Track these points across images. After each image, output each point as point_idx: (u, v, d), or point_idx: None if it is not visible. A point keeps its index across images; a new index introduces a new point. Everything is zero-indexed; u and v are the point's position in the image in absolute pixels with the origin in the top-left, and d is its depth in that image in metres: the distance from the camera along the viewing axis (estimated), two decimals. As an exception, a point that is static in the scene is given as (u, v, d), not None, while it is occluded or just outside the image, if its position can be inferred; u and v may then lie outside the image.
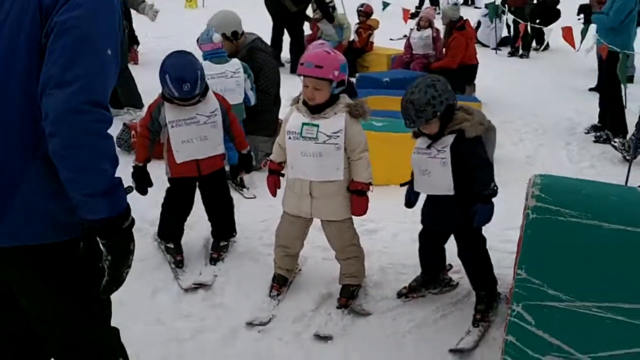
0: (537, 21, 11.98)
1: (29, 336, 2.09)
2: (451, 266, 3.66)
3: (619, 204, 2.51)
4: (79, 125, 1.60)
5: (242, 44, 5.35)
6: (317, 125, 3.18)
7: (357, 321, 3.34)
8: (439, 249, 3.53)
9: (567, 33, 8.10)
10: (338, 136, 3.16)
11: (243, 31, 5.37)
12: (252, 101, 5.00)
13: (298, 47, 9.30)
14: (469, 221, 3.24)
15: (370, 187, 3.31)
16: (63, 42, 1.63)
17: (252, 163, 4.03)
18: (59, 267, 1.85)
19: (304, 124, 3.20)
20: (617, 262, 2.41)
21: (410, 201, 3.46)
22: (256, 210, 4.49)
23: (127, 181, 1.93)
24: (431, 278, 3.59)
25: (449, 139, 3.17)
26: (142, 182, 3.66)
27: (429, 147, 3.20)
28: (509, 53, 12.26)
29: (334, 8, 9.92)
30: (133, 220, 1.78)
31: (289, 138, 3.25)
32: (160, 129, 3.67)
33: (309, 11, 10.38)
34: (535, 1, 12.55)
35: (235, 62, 4.80)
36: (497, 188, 3.15)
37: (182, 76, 3.47)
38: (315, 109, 3.21)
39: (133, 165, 3.70)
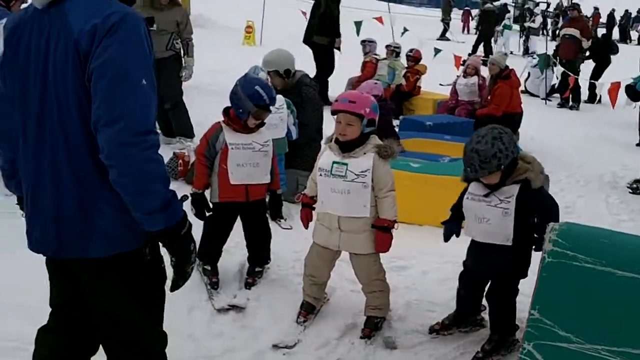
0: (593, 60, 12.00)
1: (80, 331, 2.36)
2: (485, 307, 3.70)
3: (634, 253, 2.59)
4: (131, 157, 1.86)
5: (292, 81, 5.63)
6: (347, 164, 3.36)
7: (379, 352, 3.45)
8: (478, 291, 3.58)
9: (613, 89, 8.15)
10: (365, 175, 3.33)
11: (295, 70, 5.66)
12: (294, 136, 5.23)
13: (325, 78, 9.94)
14: (513, 271, 3.33)
15: (395, 225, 3.45)
16: (102, 84, 1.86)
17: (281, 205, 4.23)
18: (133, 272, 2.12)
19: (334, 162, 3.39)
20: (628, 309, 2.49)
21: (449, 236, 3.53)
22: (290, 240, 4.65)
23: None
24: (464, 317, 3.65)
25: (514, 189, 3.20)
26: (202, 207, 3.90)
27: (487, 195, 3.25)
28: (558, 104, 12.29)
29: (398, 54, 10.27)
30: (190, 224, 2.03)
31: (320, 175, 3.44)
32: (216, 154, 3.87)
33: (360, 55, 10.77)
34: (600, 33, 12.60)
35: (279, 98, 5.05)
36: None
37: (269, 87, 3.87)
38: (346, 148, 3.39)
39: (191, 192, 3.87)
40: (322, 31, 9.99)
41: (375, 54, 10.68)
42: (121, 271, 2.10)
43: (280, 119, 5.00)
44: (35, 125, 2.00)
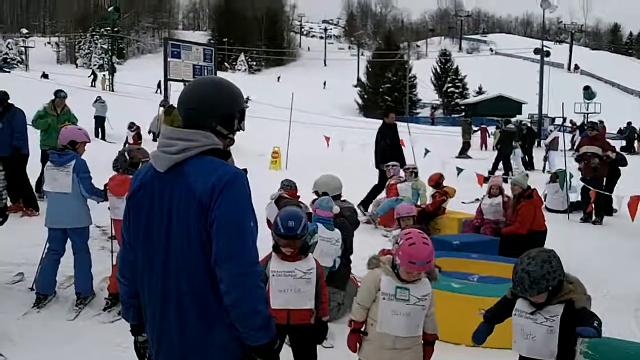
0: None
1: None
2: None
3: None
4: (247, 284, 2.36)
5: None
6: (408, 289, 3.70)
7: None
8: None
9: (633, 202, 8.44)
10: (426, 299, 3.72)
11: (340, 194, 6.29)
12: (336, 266, 5.64)
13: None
14: None
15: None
16: (222, 230, 2.37)
17: (326, 333, 4.39)
18: None
19: (397, 287, 3.72)
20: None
21: (484, 338, 3.77)
22: (334, 358, 4.88)
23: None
24: None
25: (558, 308, 3.40)
26: None
27: (533, 313, 3.45)
28: (581, 219, 12.34)
29: (416, 174, 10.82)
30: (279, 341, 2.47)
31: (384, 299, 3.73)
32: (267, 280, 4.17)
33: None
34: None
35: (336, 232, 5.53)
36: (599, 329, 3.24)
37: (289, 217, 4.16)
38: None
39: None
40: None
41: (400, 176, 11.23)
42: None
43: (335, 250, 5.48)
44: (161, 264, 2.49)
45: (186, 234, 2.43)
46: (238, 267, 2.35)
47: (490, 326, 3.78)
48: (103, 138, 22.82)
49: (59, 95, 10.43)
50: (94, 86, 49.75)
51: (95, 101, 24.21)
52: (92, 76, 54.64)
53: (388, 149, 11.46)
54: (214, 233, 2.38)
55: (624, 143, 31.89)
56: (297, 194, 7.42)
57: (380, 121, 12.31)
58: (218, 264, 2.37)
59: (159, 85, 40.44)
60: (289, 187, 7.44)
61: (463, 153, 26.03)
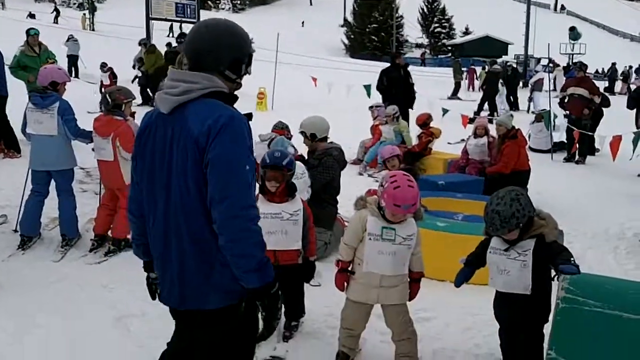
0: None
1: None
2: None
3: (637, 298, 2.96)
4: (237, 227, 2.35)
5: (316, 145, 6.24)
6: (394, 229, 3.74)
7: (411, 397, 3.77)
8: (515, 343, 3.73)
9: (615, 142, 8.52)
10: (412, 239, 3.76)
11: (324, 136, 6.27)
12: (308, 197, 5.61)
13: None
14: (534, 318, 3.60)
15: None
16: (215, 172, 2.37)
17: (314, 272, 4.46)
18: (235, 322, 2.57)
19: (383, 227, 3.75)
20: (634, 346, 2.84)
21: (462, 282, 3.86)
22: (321, 296, 4.94)
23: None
24: None
25: (530, 243, 3.50)
26: None
27: (507, 249, 3.56)
28: (564, 159, 12.51)
29: (399, 118, 10.80)
30: (278, 285, 2.49)
31: (370, 239, 3.77)
32: None
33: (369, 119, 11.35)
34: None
35: (299, 165, 5.53)
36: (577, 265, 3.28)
37: (276, 149, 4.29)
38: None
39: None
40: None
41: (382, 118, 11.19)
42: (228, 321, 2.55)
43: (305, 183, 5.49)
44: (163, 203, 2.51)
45: (184, 175, 2.43)
46: (231, 209, 2.35)
47: (471, 270, 3.86)
48: (76, 76, 22.32)
49: (31, 33, 10.15)
50: (57, 22, 47.58)
51: (68, 40, 23.62)
52: (54, 12, 52.43)
53: (388, 90, 11.53)
54: (208, 175, 2.39)
55: (606, 84, 31.99)
56: (288, 135, 7.39)
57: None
58: (213, 205, 2.38)
59: (171, 28, 39.02)
60: (277, 127, 7.45)
61: (455, 94, 25.93)
